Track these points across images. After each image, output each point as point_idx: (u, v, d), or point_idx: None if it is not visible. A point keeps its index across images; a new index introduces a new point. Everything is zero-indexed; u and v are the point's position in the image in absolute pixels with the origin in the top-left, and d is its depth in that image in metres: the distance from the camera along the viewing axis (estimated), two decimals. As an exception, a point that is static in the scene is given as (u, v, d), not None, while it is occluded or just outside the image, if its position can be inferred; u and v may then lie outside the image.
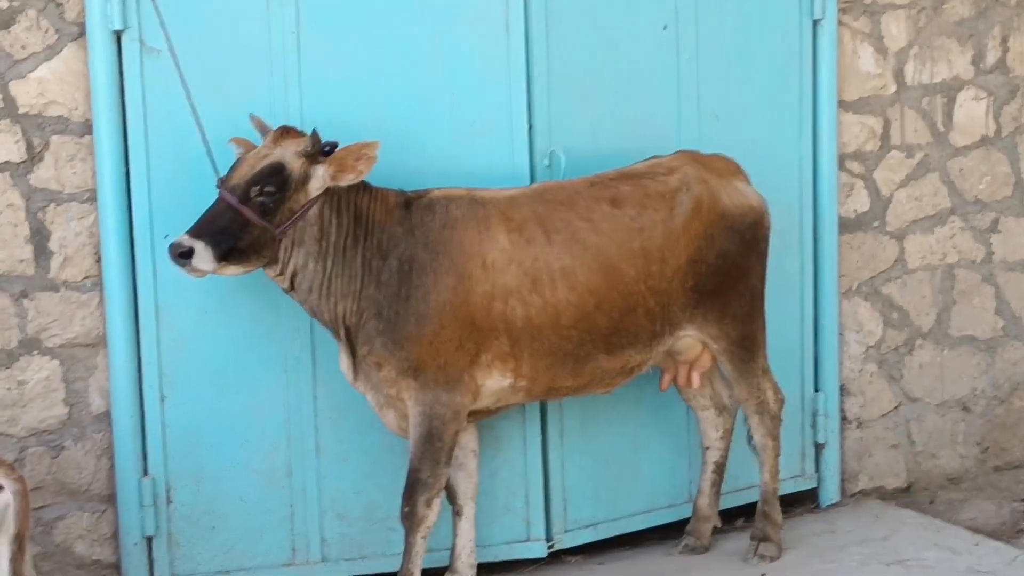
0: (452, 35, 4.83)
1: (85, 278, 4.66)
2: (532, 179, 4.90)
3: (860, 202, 5.76)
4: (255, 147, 4.44)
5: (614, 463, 5.25)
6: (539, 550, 5.12)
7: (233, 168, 4.40)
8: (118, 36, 4.54)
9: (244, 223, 4.30)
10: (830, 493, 5.77)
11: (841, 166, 5.68)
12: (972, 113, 5.94)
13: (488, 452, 4.98)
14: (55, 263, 4.62)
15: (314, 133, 4.39)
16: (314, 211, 4.41)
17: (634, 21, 5.12)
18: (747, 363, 4.98)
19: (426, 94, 4.82)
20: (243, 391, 4.77)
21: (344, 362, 4.60)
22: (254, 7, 4.65)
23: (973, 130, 5.96)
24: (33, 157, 4.57)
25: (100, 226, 4.61)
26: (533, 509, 5.09)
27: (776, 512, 5.17)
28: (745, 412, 5.13)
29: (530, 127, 4.92)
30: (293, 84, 4.68)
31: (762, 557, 5.10)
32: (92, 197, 4.62)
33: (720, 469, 5.21)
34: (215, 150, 4.43)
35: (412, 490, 4.51)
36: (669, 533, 5.36)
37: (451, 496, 4.81)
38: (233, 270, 4.36)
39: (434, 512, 4.54)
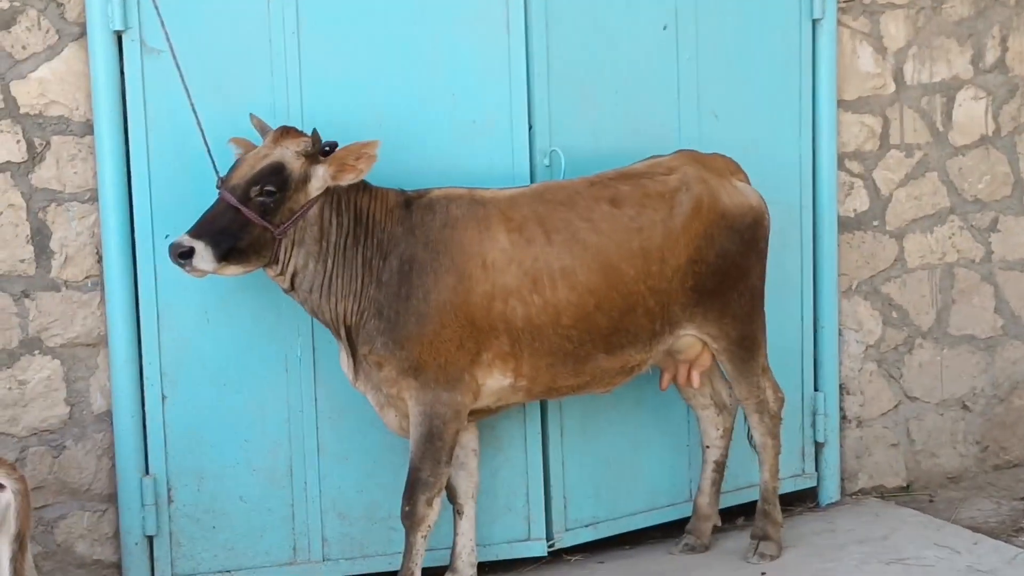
0: (452, 35, 4.84)
1: (86, 278, 4.66)
2: (532, 179, 4.90)
3: (859, 201, 5.76)
4: (255, 147, 4.45)
5: (614, 462, 5.26)
6: (540, 549, 5.12)
7: (233, 168, 4.40)
8: (119, 36, 4.55)
9: (244, 223, 4.30)
10: (830, 492, 5.78)
11: (841, 165, 5.68)
12: (971, 113, 5.95)
13: (489, 451, 4.98)
14: (56, 263, 4.63)
15: (314, 133, 4.39)
16: (314, 211, 4.41)
17: (634, 21, 5.13)
18: (747, 362, 4.98)
19: (426, 94, 4.82)
20: (244, 390, 4.77)
21: (345, 362, 4.60)
22: (254, 7, 4.66)
23: (972, 129, 5.96)
24: (34, 157, 4.58)
25: (101, 226, 4.62)
26: (534, 508, 5.09)
27: (776, 511, 5.18)
28: (745, 411, 5.13)
29: (530, 127, 4.92)
30: (293, 84, 4.69)
31: (762, 556, 5.10)
32: (93, 197, 4.63)
33: (720, 468, 5.21)
34: (215, 150, 4.43)
35: (413, 489, 4.51)
36: (669, 532, 5.36)
37: (452, 495, 4.81)
38: (233, 270, 4.36)
39: (435, 511, 4.54)
